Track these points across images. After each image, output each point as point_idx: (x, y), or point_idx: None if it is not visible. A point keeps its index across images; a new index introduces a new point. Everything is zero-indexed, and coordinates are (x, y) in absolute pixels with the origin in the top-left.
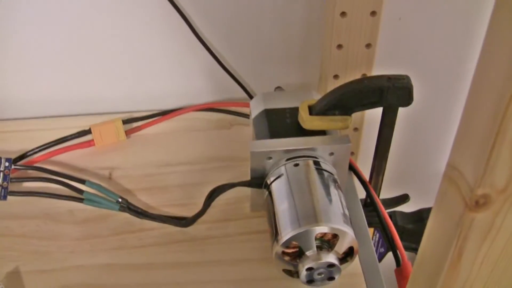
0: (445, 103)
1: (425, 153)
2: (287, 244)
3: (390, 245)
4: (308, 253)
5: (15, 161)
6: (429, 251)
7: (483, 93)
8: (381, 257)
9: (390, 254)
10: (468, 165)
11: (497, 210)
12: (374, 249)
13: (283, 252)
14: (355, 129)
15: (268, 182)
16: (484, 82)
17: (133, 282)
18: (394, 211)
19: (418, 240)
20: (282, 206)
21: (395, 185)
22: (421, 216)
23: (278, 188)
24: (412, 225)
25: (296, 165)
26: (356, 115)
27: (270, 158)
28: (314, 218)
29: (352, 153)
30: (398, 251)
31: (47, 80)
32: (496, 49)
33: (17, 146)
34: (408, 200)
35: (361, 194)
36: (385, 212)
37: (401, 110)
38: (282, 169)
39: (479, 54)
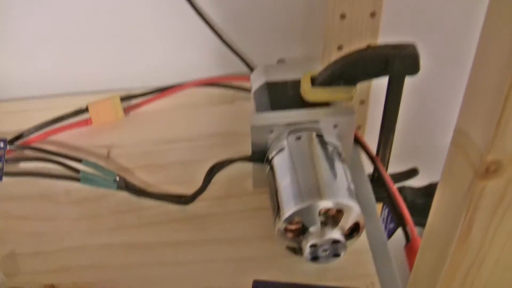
0: (454, 71)
1: (434, 124)
2: (289, 220)
3: (399, 221)
4: (311, 229)
5: (11, 141)
6: (437, 224)
7: (491, 49)
8: (390, 233)
9: (400, 230)
10: (477, 129)
11: (509, 178)
12: (382, 224)
13: (286, 229)
14: (362, 101)
15: (270, 156)
16: (492, 37)
17: (132, 262)
18: (403, 186)
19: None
20: (284, 181)
21: (404, 158)
22: (431, 191)
23: (280, 162)
24: (422, 200)
25: (299, 138)
26: (362, 87)
27: (272, 131)
28: (318, 192)
29: (359, 127)
30: (407, 227)
31: (42, 59)
32: (504, 3)
33: (12, 127)
34: (417, 174)
35: (369, 169)
36: (393, 186)
37: (408, 80)
38: (284, 143)
39: (487, 8)
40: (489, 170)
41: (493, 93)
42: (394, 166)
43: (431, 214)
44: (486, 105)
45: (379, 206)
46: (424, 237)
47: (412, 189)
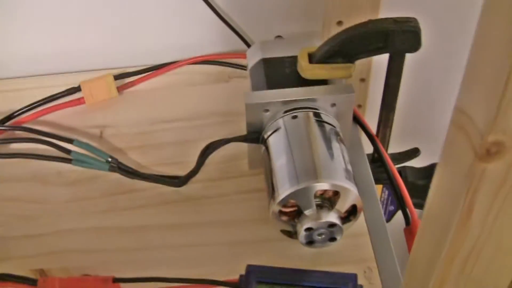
0: (457, 48)
1: (436, 103)
2: (284, 203)
3: (399, 203)
4: (307, 212)
5: (1, 122)
6: (436, 207)
7: (492, 25)
8: (390, 215)
9: (401, 212)
10: (477, 108)
11: (511, 160)
12: (381, 207)
13: (281, 212)
14: (362, 79)
15: (265, 136)
16: (493, 14)
17: (125, 245)
18: (404, 166)
19: None
20: (280, 161)
21: (405, 138)
22: (433, 172)
23: (276, 142)
24: (424, 181)
25: (295, 117)
26: (363, 64)
27: (267, 110)
28: (314, 174)
29: (360, 106)
30: (407, 209)
31: (33, 36)
32: None
33: (3, 107)
34: (419, 154)
35: (368, 149)
36: (393, 167)
37: (409, 57)
38: (280, 122)
39: None
40: (490, 152)
41: (495, 70)
42: (395, 147)
43: (429, 196)
44: (487, 83)
45: (379, 188)
46: (423, 220)
47: (413, 169)
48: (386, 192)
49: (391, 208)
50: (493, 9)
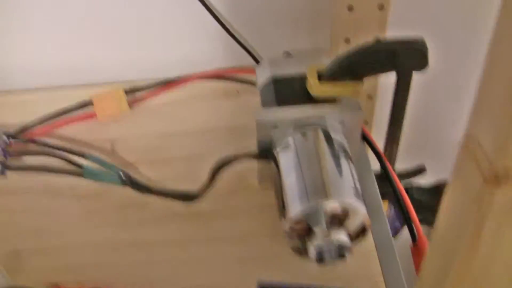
0: (465, 66)
1: (443, 121)
2: (295, 220)
3: (405, 220)
4: (316, 229)
5: (15, 135)
6: (445, 229)
7: (504, 47)
8: (396, 231)
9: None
10: (487, 133)
11: None
12: (388, 224)
13: (291, 229)
14: (369, 96)
15: (275, 153)
16: (504, 34)
17: (135, 259)
18: (411, 184)
19: (436, 214)
20: (290, 179)
21: (412, 155)
22: (439, 189)
23: (285, 160)
24: (430, 198)
25: (304, 134)
26: (370, 82)
27: (277, 127)
28: (323, 192)
29: (366, 122)
30: (414, 226)
31: (46, 50)
32: None
33: (15, 120)
34: (425, 172)
35: (375, 165)
36: (400, 184)
37: (416, 76)
38: (290, 140)
39: (500, 7)
40: (499, 177)
41: (504, 97)
42: (402, 163)
43: (439, 218)
44: (497, 109)
45: (385, 204)
46: (432, 241)
47: (419, 187)
48: (393, 209)
49: (397, 224)
50: (503, 36)
